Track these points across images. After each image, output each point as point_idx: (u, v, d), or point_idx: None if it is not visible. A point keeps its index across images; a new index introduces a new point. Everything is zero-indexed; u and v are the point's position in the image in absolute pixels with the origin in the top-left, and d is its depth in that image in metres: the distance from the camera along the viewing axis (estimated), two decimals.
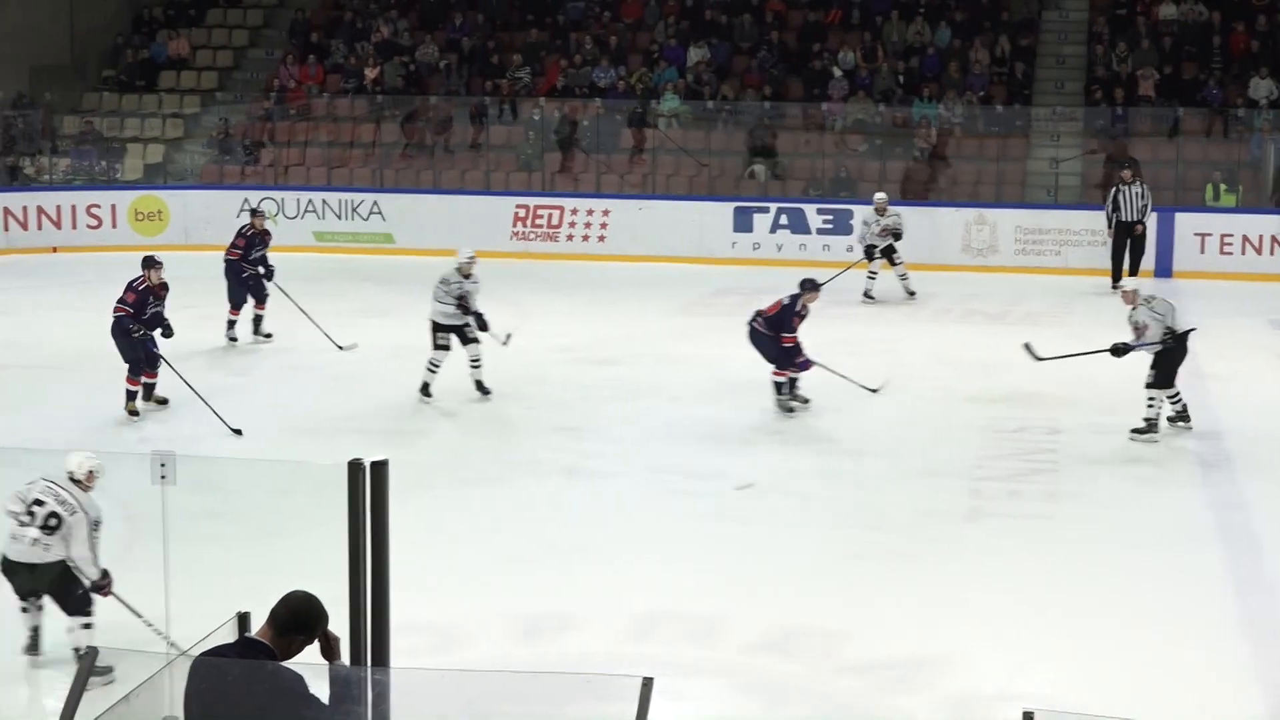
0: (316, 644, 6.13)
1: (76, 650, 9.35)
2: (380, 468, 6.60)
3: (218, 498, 12.11)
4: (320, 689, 5.94)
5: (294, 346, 18.86)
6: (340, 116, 28.79)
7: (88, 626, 9.54)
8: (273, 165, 27.92)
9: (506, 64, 29.13)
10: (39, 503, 9.61)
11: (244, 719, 5.94)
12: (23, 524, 9.55)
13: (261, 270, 19.03)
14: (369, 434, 14.98)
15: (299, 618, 6.07)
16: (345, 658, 6.26)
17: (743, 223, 25.47)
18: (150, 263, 15.98)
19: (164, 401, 15.87)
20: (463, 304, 16.10)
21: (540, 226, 26.03)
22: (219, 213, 26.06)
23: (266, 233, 19.50)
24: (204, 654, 6.08)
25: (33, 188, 26.99)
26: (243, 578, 9.18)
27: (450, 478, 13.99)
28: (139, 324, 15.53)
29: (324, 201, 26.49)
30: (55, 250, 25.74)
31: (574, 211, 26.02)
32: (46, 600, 9.77)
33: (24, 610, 9.79)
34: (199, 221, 26.31)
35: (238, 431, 14.88)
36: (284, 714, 5.92)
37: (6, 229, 25.90)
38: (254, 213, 20.09)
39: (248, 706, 5.95)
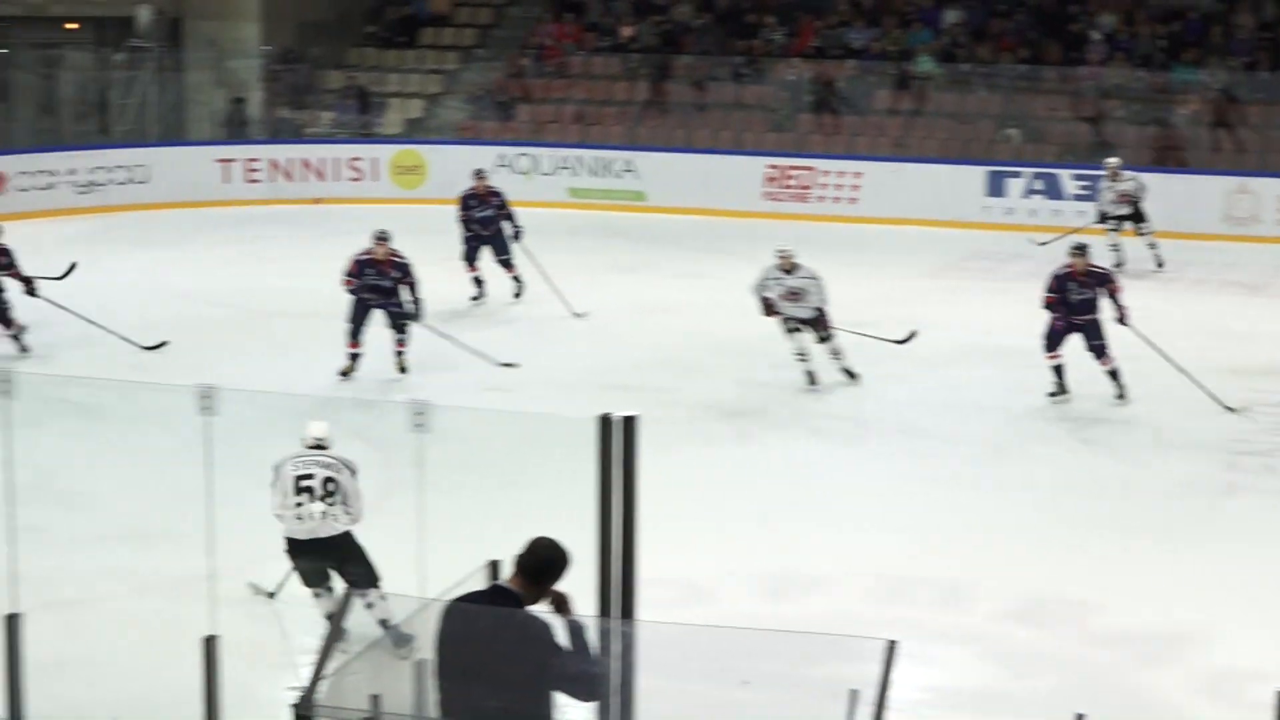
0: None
1: (384, 622, 8.81)
2: (630, 422, 6.62)
3: (471, 448, 12.29)
4: (564, 639, 6.00)
5: (544, 300, 19.06)
6: (595, 74, 28.97)
7: (384, 598, 9.12)
8: (528, 122, 28.21)
9: (760, 24, 29.00)
10: (307, 477, 9.53)
11: (492, 664, 6.03)
12: (301, 504, 9.49)
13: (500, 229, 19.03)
14: (620, 389, 15.09)
15: (545, 564, 6.14)
16: (578, 610, 6.30)
17: (996, 187, 25.06)
18: (378, 237, 16.00)
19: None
20: (793, 297, 15.42)
21: (791, 187, 25.91)
22: (476, 167, 26.41)
23: (493, 192, 19.39)
24: (455, 599, 6.18)
25: (298, 140, 27.67)
26: (494, 527, 9.32)
27: (698, 435, 14.02)
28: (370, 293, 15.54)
29: (578, 158, 26.69)
30: (318, 201, 26.36)
31: (825, 173, 25.84)
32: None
33: (317, 596, 9.62)
34: (457, 176, 26.66)
35: (511, 364, 15.06)
36: (531, 661, 5.99)
37: (273, 180, 26.61)
38: (477, 173, 20.08)
39: (496, 652, 6.03)
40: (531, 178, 26.46)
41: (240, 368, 15.46)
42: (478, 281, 19.15)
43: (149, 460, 12.62)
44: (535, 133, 27.88)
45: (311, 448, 9.66)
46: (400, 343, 15.76)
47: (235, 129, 28.35)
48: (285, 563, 9.77)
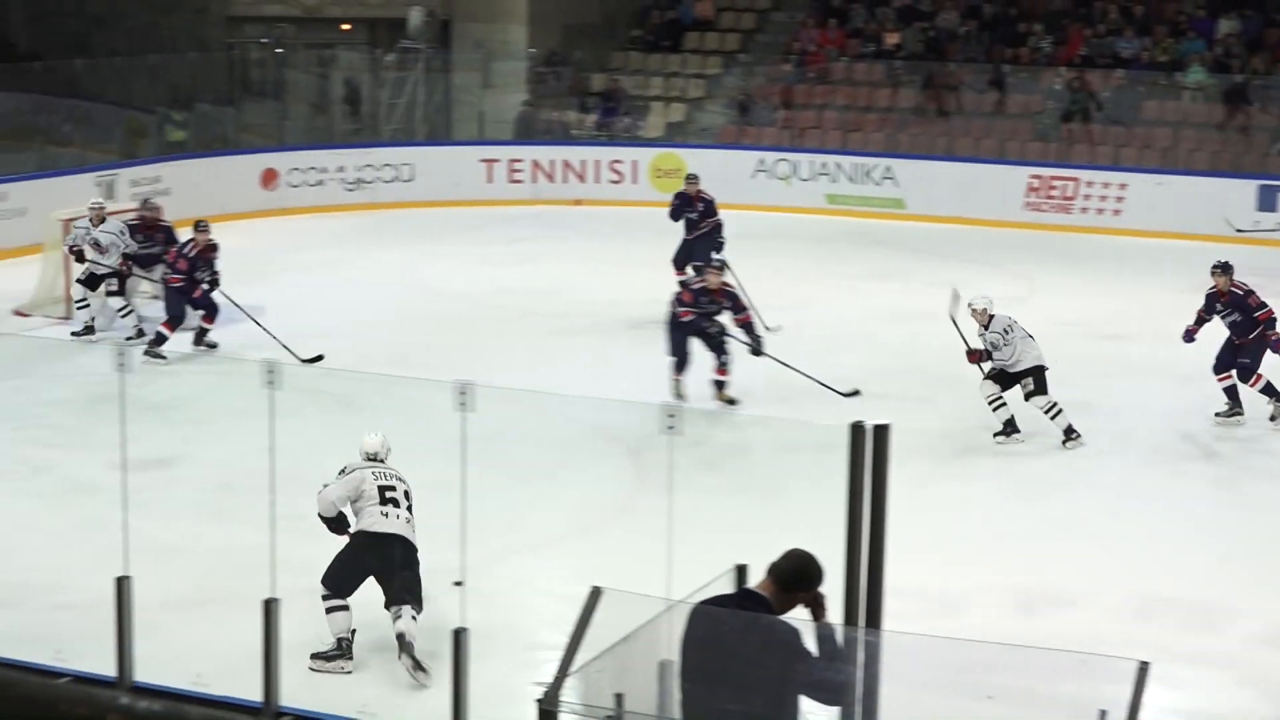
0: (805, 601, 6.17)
1: (401, 637, 9.21)
2: (882, 431, 6.57)
3: (721, 451, 12.35)
4: (811, 644, 5.98)
5: (795, 305, 19.02)
6: (857, 81, 28.82)
7: (415, 618, 9.36)
8: (789, 128, 28.17)
9: (1028, 32, 28.56)
10: (390, 489, 9.77)
11: (738, 667, 6.03)
12: (391, 509, 9.69)
13: None
14: (871, 397, 14.97)
15: (799, 573, 6.12)
16: (831, 618, 6.27)
17: (1268, 201, 24.30)
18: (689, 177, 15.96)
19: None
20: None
21: (1054, 198, 25.46)
22: (735, 172, 26.50)
23: (702, 197, 19.03)
24: (702, 602, 6.20)
25: (560, 142, 28.02)
26: (742, 531, 9.33)
27: (950, 445, 13.85)
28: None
29: (837, 165, 26.57)
30: (579, 203, 26.66)
31: (1089, 184, 25.33)
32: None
33: (337, 610, 9.52)
34: (716, 180, 26.73)
35: (854, 393, 14.96)
36: (777, 666, 5.98)
37: (535, 180, 26.98)
38: (689, 178, 19.78)
39: (743, 656, 6.03)
40: (790, 183, 26.42)
41: (497, 365, 15.70)
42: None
43: (404, 454, 12.87)
44: (795, 138, 27.83)
45: (370, 457, 10.00)
46: (722, 368, 15.15)
47: (523, 131, 28.75)
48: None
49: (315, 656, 9.27)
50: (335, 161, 26.17)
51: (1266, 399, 14.54)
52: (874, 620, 6.57)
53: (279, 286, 19.35)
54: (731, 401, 14.97)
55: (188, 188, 23.88)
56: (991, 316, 14.01)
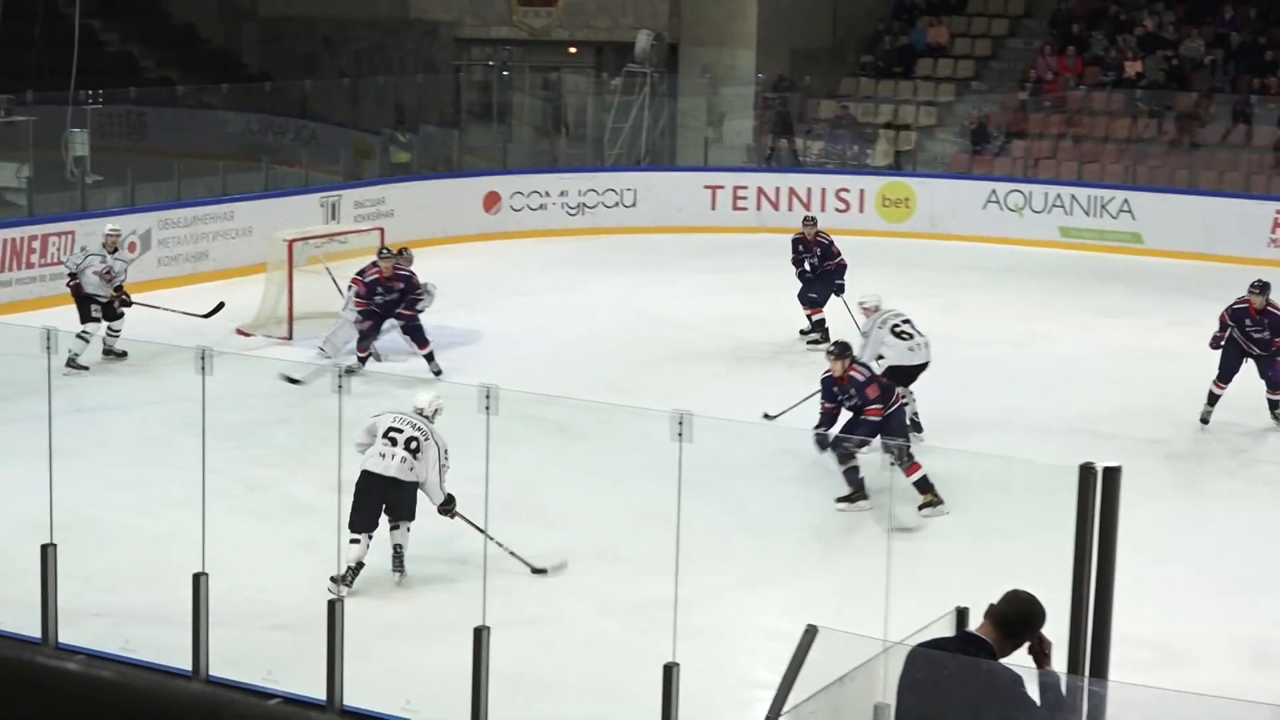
0: (1026, 646, 6.07)
1: (397, 549, 10.84)
2: (1112, 475, 6.44)
3: (944, 489, 12.19)
4: (1032, 691, 5.87)
5: (1025, 341, 18.76)
6: (1095, 110, 28.37)
7: (409, 530, 10.87)
8: (1022, 158, 27.82)
9: (1276, 61, 27.86)
10: (396, 430, 10.81)
11: (957, 714, 5.95)
12: (387, 447, 10.74)
13: None
14: (1101, 437, 14.70)
15: (1022, 618, 6.02)
16: (1055, 664, 6.16)
17: None
18: None
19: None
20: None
21: None
22: (965, 203, 26.25)
23: (820, 240, 18.74)
24: (921, 645, 6.12)
25: (786, 169, 28.00)
26: (962, 573, 9.21)
27: (1182, 489, 13.55)
28: None
29: (1072, 197, 26.14)
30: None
31: None
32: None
33: (354, 542, 10.56)
34: (945, 211, 26.58)
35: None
36: (998, 714, 5.88)
37: (759, 208, 27.00)
38: (806, 220, 19.57)
39: (962, 701, 5.94)
40: (1023, 215, 26.09)
41: (716, 395, 15.73)
42: (819, 324, 18.57)
43: (621, 482, 12.96)
44: (1029, 169, 27.48)
45: (416, 411, 10.98)
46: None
47: (774, 156, 28.83)
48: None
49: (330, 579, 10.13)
50: (558, 185, 26.48)
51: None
52: (1099, 670, 6.44)
53: (500, 311, 19.60)
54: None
55: (411, 210, 24.33)
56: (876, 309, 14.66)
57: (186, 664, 8.36)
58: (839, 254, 18.62)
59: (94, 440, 13.77)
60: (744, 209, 27.05)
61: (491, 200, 25.94)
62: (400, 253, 17.31)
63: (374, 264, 16.87)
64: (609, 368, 17.07)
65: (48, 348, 8.74)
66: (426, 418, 10.96)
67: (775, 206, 26.97)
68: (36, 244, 19.98)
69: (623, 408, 13.90)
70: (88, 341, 16.52)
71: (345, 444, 8.65)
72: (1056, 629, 6.24)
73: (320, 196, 23.35)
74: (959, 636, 6.20)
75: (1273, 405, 15.28)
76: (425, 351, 16.68)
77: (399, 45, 31.56)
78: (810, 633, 6.44)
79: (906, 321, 14.52)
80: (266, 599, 10.55)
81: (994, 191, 26.28)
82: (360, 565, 10.66)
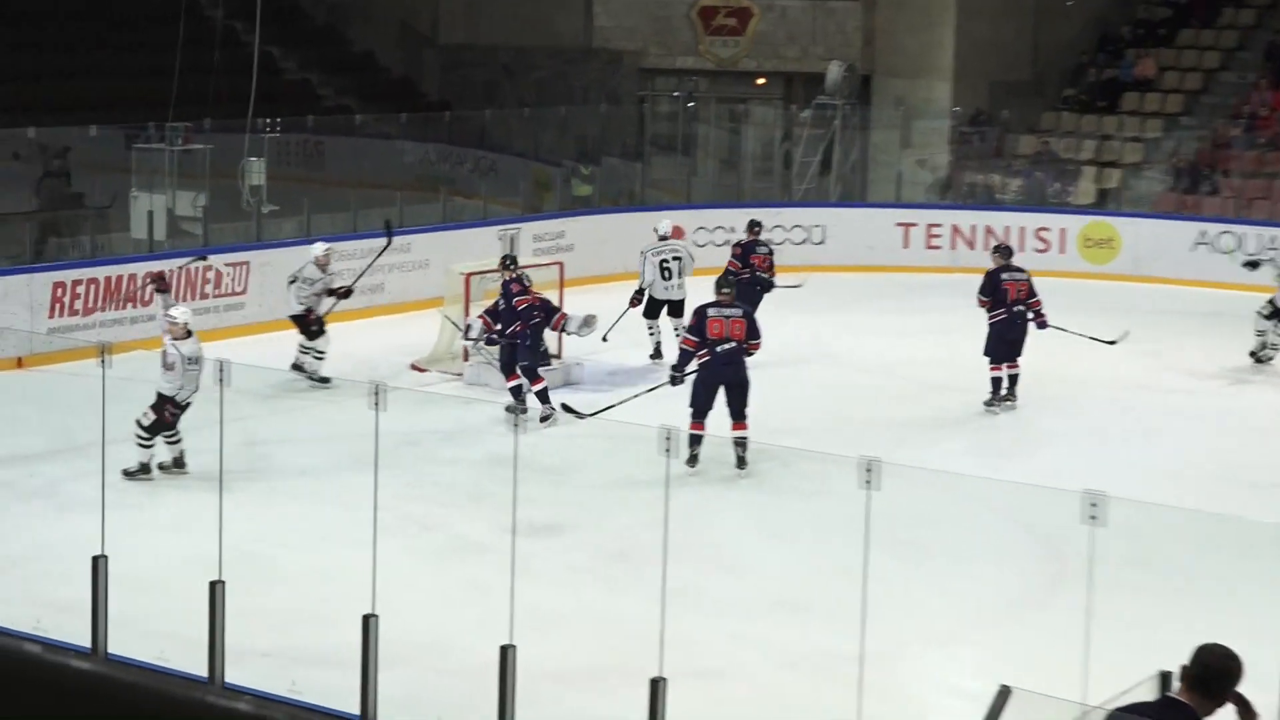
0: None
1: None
2: None
3: (1148, 546, 11.97)
4: None
5: (1236, 390, 18.38)
6: None
7: None
8: (1234, 197, 27.32)
9: None
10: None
11: None
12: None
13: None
14: None
15: (1220, 675, 5.90)
16: None
17: None
18: None
19: None
20: None
21: None
22: (1173, 244, 25.82)
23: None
24: (1120, 709, 6.01)
25: (983, 206, 27.75)
26: (1168, 634, 9.01)
27: None
28: None
29: None
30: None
31: None
32: None
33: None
34: (1151, 252, 26.17)
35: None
36: None
37: (954, 246, 26.79)
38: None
39: None
40: (1234, 258, 25.58)
41: (903, 442, 15.61)
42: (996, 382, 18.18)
43: (806, 530, 12.91)
44: (1241, 209, 26.96)
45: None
46: None
47: (944, 194, 28.70)
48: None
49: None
50: (743, 221, 26.43)
51: None
52: None
53: (669, 350, 19.59)
54: None
55: (592, 244, 24.50)
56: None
57: (355, 708, 8.45)
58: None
59: (264, 475, 14.01)
60: (937, 248, 26.87)
61: (675, 235, 26.00)
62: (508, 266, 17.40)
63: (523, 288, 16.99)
64: (792, 410, 17.00)
65: (220, 380, 8.91)
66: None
67: (970, 246, 26.74)
68: (211, 274, 20.41)
69: (806, 452, 13.85)
70: (321, 358, 17.37)
71: (522, 482, 8.70)
72: (1267, 696, 6.09)
73: (499, 229, 23.58)
74: (1160, 701, 6.08)
75: None
76: (511, 384, 16.66)
77: (581, 74, 31.85)
78: (1003, 694, 6.36)
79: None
80: (437, 642, 10.63)
81: (1204, 232, 25.83)
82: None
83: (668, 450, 7.89)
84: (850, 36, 30.78)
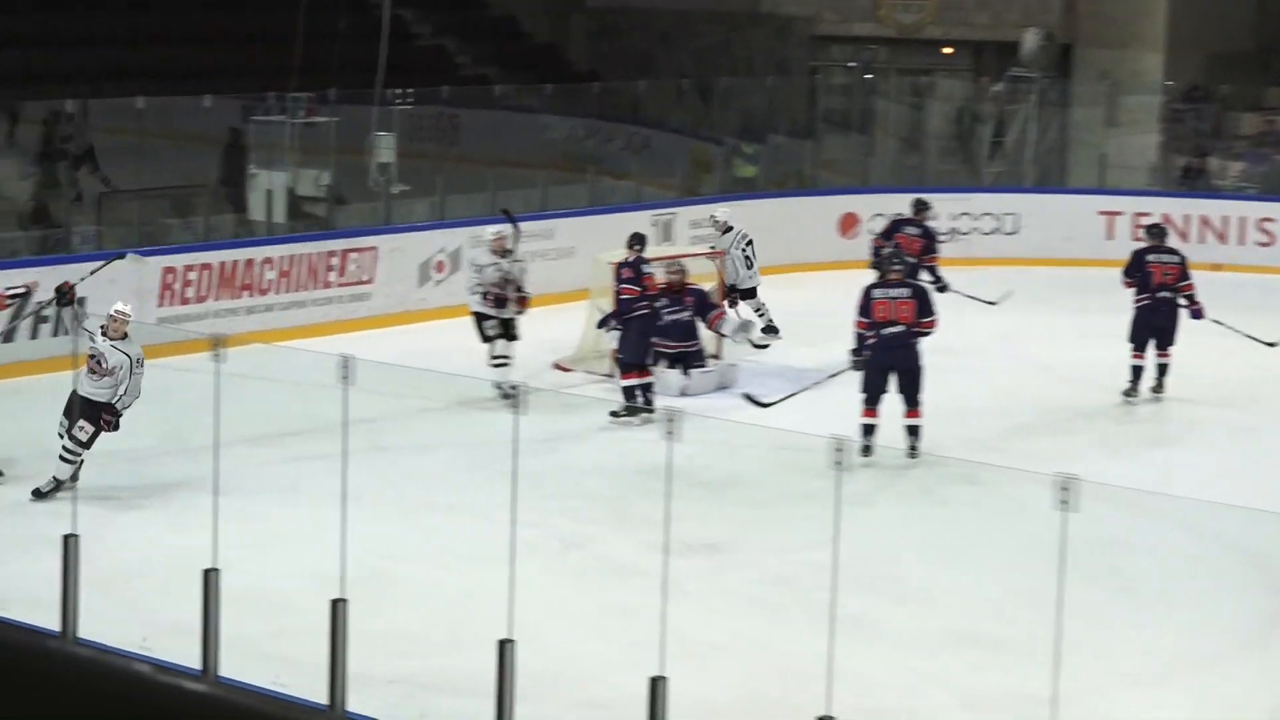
0: None
1: None
2: None
3: None
4: None
5: None
6: None
7: None
8: None
9: None
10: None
11: None
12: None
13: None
14: None
15: None
16: None
17: None
18: None
19: None
20: None
21: None
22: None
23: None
24: None
25: (1198, 194, 27.37)
26: None
27: None
28: None
29: None
30: (1217, 268, 25.90)
31: None
32: None
33: None
34: None
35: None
36: None
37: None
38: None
39: None
40: None
41: (1105, 458, 15.47)
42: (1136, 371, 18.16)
43: (995, 555, 12.82)
44: None
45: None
46: None
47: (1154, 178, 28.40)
48: None
49: None
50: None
51: None
52: None
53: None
54: None
55: (755, 232, 24.42)
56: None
57: None
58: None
59: (392, 484, 14.15)
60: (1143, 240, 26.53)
61: (848, 222, 25.96)
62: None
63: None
64: (979, 421, 16.89)
65: (344, 377, 9.01)
66: None
67: (1184, 238, 26.37)
68: (335, 260, 20.64)
69: (995, 468, 13.75)
70: (509, 364, 17.19)
71: (676, 496, 8.72)
72: None
73: (652, 214, 23.64)
74: None
75: None
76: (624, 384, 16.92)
77: (747, 43, 31.87)
78: None
79: None
80: (579, 671, 10.69)
81: None
82: None
83: (839, 462, 7.86)
84: (1048, 2, 30.52)
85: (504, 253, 17.43)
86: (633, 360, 16.86)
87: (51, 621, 9.30)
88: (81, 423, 13.56)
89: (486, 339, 17.38)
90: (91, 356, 13.64)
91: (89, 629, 9.34)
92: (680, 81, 30.33)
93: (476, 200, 22.91)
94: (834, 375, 15.93)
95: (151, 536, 13.00)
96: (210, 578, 9.37)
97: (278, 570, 11.88)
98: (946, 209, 26.24)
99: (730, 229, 20.41)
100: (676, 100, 29.49)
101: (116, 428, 13.75)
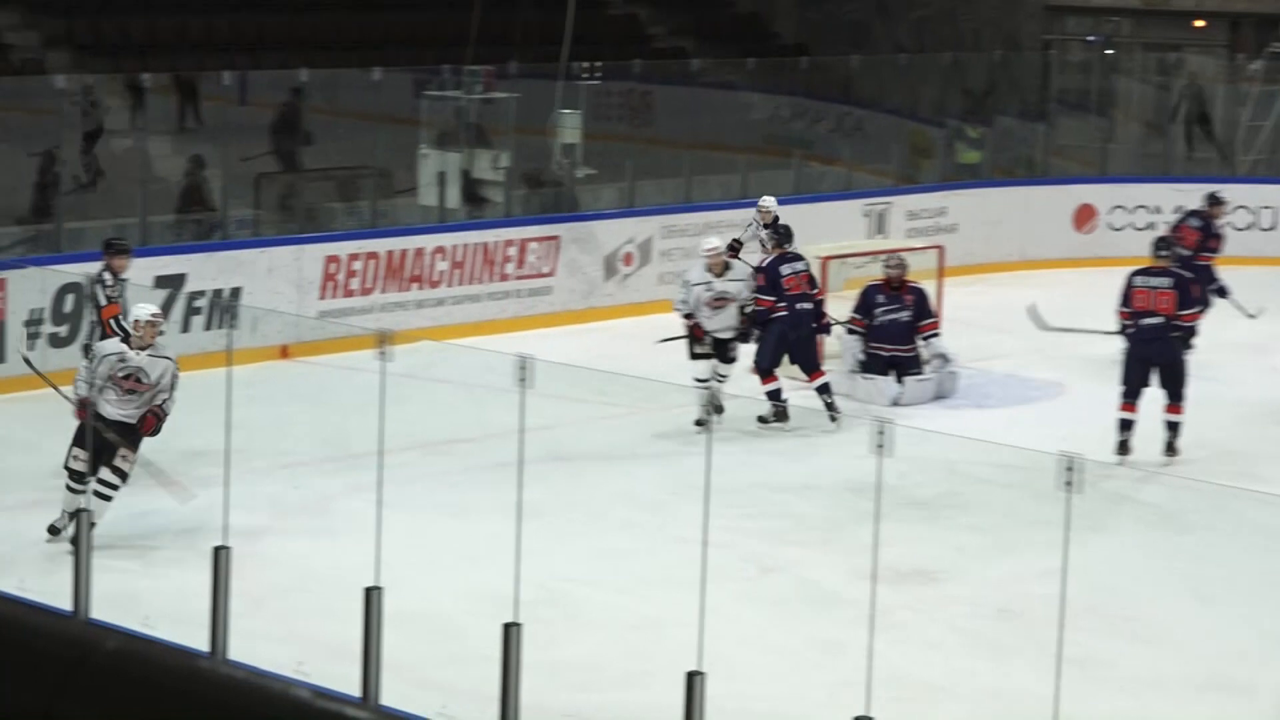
0: None
1: None
2: None
3: None
4: None
5: None
6: None
7: None
8: None
9: None
10: None
11: None
12: None
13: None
14: None
15: None
16: None
17: None
18: None
19: None
20: None
21: None
22: None
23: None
24: None
25: None
26: None
27: None
28: None
29: None
30: None
31: None
32: None
33: None
34: None
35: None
36: None
37: None
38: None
39: None
40: None
41: None
42: None
43: (1243, 590, 12.66)
44: None
45: None
46: None
47: None
48: None
49: None
50: (1172, 199, 25.95)
51: None
52: None
53: (1089, 359, 19.32)
54: None
55: (980, 225, 24.37)
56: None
57: None
58: None
59: (572, 498, 14.22)
60: None
61: (1085, 215, 25.72)
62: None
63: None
64: (1231, 442, 16.67)
65: (522, 379, 9.06)
66: None
67: None
68: (513, 251, 20.77)
69: (1249, 494, 13.55)
70: (709, 386, 16.51)
71: (887, 517, 8.69)
72: None
73: (864, 203, 23.60)
74: None
75: None
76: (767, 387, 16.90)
77: (973, 14, 31.70)
78: None
79: None
80: (777, 710, 10.68)
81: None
82: None
83: (1069, 483, 7.80)
84: None
85: (723, 270, 17.04)
86: (768, 365, 16.93)
87: (200, 641, 9.43)
88: (123, 453, 12.90)
89: (695, 356, 17.06)
90: (125, 376, 12.92)
91: (240, 649, 9.46)
92: (898, 56, 30.23)
93: (669, 187, 22.96)
94: (1108, 333, 16.71)
95: (308, 551, 13.16)
96: (372, 597, 9.47)
97: (445, 590, 11.99)
98: (1194, 200, 25.89)
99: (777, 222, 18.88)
100: (893, 77, 29.36)
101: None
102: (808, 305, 17.10)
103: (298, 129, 22.07)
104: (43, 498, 13.48)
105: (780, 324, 16.95)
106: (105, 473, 12.88)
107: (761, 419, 16.57)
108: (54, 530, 13.11)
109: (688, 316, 16.96)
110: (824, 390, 16.87)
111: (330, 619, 10.98)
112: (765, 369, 16.92)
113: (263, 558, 12.59)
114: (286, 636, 11.03)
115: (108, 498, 12.85)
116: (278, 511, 14.01)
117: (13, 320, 16.94)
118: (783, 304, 16.96)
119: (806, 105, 27.62)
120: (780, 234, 17.55)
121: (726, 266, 17.17)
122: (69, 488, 12.96)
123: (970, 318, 20.24)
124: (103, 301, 14.63)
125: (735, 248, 18.64)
